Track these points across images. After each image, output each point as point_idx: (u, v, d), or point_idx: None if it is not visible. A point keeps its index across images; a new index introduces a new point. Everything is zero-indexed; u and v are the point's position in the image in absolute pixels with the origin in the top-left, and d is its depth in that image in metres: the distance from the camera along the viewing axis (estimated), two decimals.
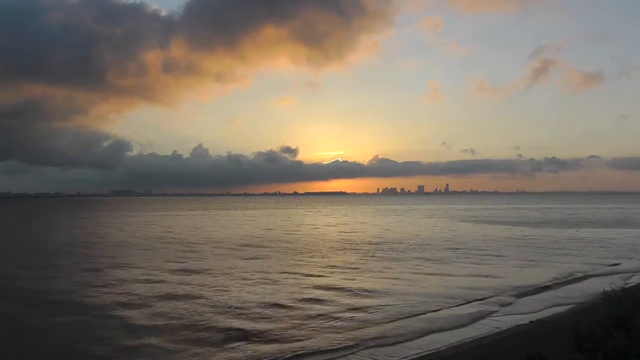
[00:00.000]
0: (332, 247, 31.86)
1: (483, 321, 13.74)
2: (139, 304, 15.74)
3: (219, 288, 18.24)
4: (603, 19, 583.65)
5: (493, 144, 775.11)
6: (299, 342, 11.73)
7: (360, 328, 12.94)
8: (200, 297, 16.68)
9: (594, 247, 31.26)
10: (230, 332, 12.59)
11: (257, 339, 11.99)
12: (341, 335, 12.29)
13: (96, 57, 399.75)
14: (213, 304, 15.63)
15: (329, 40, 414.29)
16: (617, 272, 21.41)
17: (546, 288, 18.23)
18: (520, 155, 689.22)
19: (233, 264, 24.58)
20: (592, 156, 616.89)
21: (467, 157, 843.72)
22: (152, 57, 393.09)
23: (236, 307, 15.19)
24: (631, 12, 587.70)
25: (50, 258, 27.57)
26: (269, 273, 21.44)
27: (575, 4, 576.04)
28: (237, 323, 13.41)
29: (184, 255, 28.32)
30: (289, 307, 15.20)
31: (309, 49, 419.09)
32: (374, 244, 33.76)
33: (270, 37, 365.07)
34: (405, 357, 10.79)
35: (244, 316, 14.19)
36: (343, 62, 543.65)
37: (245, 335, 12.27)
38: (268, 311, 14.73)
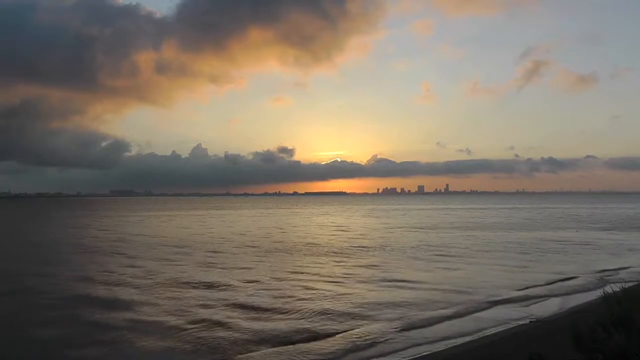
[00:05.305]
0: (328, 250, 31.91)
1: None
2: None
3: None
4: (594, 20, 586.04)
5: (488, 144, 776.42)
6: None
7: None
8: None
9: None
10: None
11: None
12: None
13: (90, 58, 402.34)
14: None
15: (316, 42, 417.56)
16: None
17: None
18: (516, 156, 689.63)
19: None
20: (589, 156, 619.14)
21: (464, 157, 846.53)
22: (145, 58, 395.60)
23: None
24: (622, 14, 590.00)
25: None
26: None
27: (564, 6, 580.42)
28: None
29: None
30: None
31: (297, 51, 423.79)
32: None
33: (257, 40, 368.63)
34: (405, 357, 10.80)
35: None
36: (333, 63, 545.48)
37: None
38: None
